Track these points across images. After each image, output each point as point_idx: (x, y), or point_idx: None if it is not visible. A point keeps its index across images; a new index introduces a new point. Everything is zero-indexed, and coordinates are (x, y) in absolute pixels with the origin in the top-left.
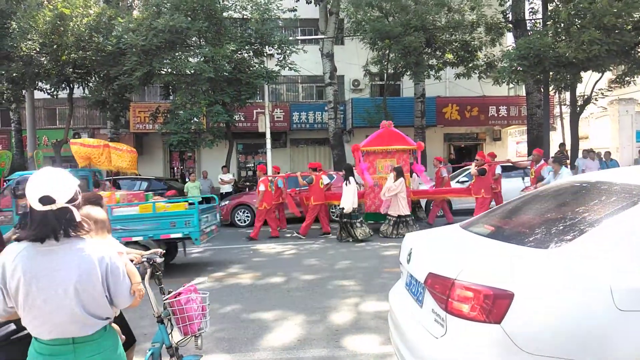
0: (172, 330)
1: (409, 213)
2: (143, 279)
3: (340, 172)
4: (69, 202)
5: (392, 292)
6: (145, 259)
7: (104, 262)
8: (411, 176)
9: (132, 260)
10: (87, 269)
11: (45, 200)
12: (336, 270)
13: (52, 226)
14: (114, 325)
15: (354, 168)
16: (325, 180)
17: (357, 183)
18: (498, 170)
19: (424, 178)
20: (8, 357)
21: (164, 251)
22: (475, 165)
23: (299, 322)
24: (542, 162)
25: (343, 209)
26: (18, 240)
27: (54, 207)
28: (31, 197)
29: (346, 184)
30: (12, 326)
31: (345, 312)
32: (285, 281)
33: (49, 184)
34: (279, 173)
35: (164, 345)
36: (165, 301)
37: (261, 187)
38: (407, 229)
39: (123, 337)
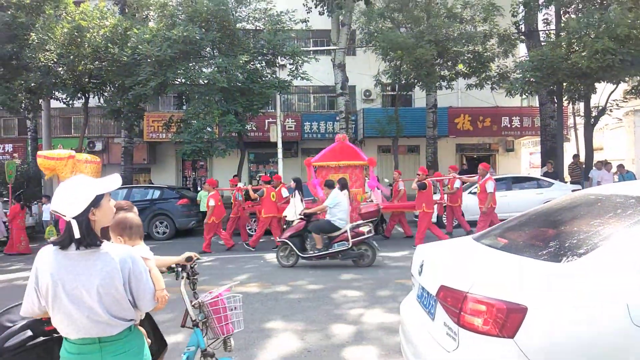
0: (206, 334)
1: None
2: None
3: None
4: (81, 214)
5: (403, 304)
6: (179, 266)
7: (127, 266)
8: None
9: (173, 267)
10: (109, 272)
11: (55, 213)
12: (342, 280)
13: (72, 236)
14: (140, 327)
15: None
16: (284, 193)
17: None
18: (457, 184)
19: (376, 195)
20: None
21: (199, 257)
22: (417, 180)
23: (305, 332)
24: (488, 175)
25: (290, 221)
26: (54, 243)
27: (66, 219)
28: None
29: (292, 196)
30: (29, 332)
31: (350, 323)
32: (291, 290)
33: (58, 199)
34: (236, 185)
35: (198, 348)
36: (205, 302)
37: (211, 202)
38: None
39: (149, 340)
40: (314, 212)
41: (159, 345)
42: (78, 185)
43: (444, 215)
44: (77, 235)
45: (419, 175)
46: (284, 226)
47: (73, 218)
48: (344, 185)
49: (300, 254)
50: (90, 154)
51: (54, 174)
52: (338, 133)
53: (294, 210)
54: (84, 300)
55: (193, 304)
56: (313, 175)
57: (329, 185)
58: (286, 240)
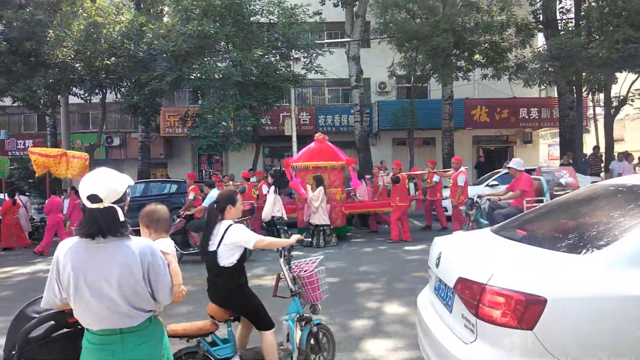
0: (302, 303)
1: (326, 223)
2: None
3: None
4: (116, 202)
5: (420, 297)
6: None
7: (147, 259)
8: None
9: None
10: (129, 265)
11: (93, 198)
12: (359, 273)
13: (99, 224)
14: (160, 318)
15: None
16: (264, 190)
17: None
18: (435, 178)
19: (361, 191)
20: (49, 355)
21: (303, 239)
22: (391, 174)
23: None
24: (461, 169)
25: (273, 217)
26: (79, 234)
27: (100, 205)
28: (82, 194)
29: (268, 193)
30: (53, 324)
31: (367, 315)
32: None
33: (98, 183)
34: (219, 181)
35: (297, 314)
36: (302, 275)
37: (191, 196)
38: (323, 238)
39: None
40: (192, 213)
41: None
42: (115, 174)
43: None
44: (122, 218)
45: (393, 169)
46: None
47: (114, 203)
48: (319, 182)
49: (182, 251)
50: (108, 148)
51: (45, 171)
52: (317, 134)
53: (271, 209)
54: (104, 291)
55: (290, 277)
56: (293, 175)
57: (319, 180)
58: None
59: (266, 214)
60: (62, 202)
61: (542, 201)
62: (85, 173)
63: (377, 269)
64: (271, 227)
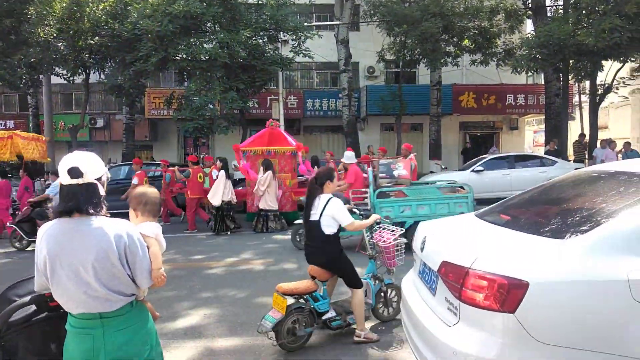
0: (379, 265)
1: (273, 208)
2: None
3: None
4: (99, 179)
5: (404, 280)
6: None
7: (122, 241)
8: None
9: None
10: (104, 248)
11: (74, 172)
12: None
13: (77, 200)
14: (146, 302)
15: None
16: (214, 174)
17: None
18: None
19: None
20: (30, 339)
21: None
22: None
23: None
24: (410, 156)
25: (223, 201)
26: (56, 213)
27: (80, 181)
28: (62, 170)
29: (215, 177)
30: (33, 307)
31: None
32: (298, 267)
33: (79, 159)
34: (168, 167)
35: (372, 274)
36: (379, 244)
37: (134, 181)
38: (268, 223)
39: (157, 314)
40: (40, 199)
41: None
42: (90, 153)
43: None
44: (102, 193)
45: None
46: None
47: (96, 179)
48: (268, 166)
49: (28, 239)
50: (91, 130)
51: None
52: (269, 120)
53: (220, 193)
54: (80, 275)
55: (370, 243)
56: (243, 160)
57: (267, 165)
58: (14, 226)
59: (216, 198)
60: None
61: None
62: (45, 156)
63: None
64: (220, 212)
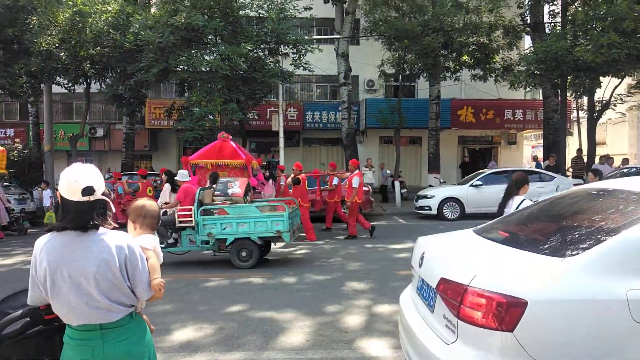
0: None
1: None
2: None
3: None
4: (104, 194)
5: (402, 296)
6: None
7: (123, 252)
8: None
9: None
10: (105, 259)
11: (88, 190)
12: (347, 271)
13: (90, 216)
14: (143, 315)
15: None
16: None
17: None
18: (335, 181)
19: (264, 190)
20: (24, 352)
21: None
22: (292, 175)
23: (310, 322)
24: (357, 171)
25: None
26: (50, 230)
27: (91, 198)
28: (72, 188)
29: (161, 189)
30: (28, 320)
31: (356, 314)
32: (297, 281)
33: (90, 176)
34: (120, 179)
35: None
36: None
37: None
38: None
39: (153, 327)
40: None
41: None
42: (92, 167)
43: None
44: (113, 209)
45: (294, 170)
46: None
47: (103, 195)
48: (215, 180)
49: None
50: (91, 139)
51: None
52: (221, 133)
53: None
54: (82, 286)
55: None
56: (191, 173)
57: (214, 178)
58: None
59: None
60: None
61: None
62: (3, 166)
63: (368, 267)
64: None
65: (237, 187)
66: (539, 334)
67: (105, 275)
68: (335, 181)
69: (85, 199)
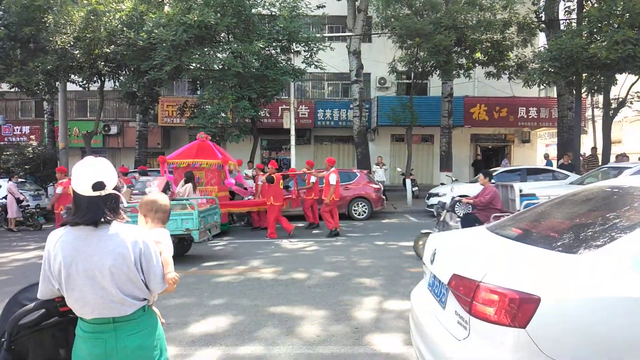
0: None
1: None
2: None
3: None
4: (114, 189)
5: (414, 292)
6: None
7: (138, 247)
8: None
9: None
10: (121, 253)
11: (98, 185)
12: (358, 267)
13: (102, 211)
14: (154, 308)
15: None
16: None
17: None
18: (312, 179)
19: (239, 190)
20: (39, 343)
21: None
22: (267, 174)
23: (320, 318)
24: (332, 169)
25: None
26: (63, 225)
27: (102, 193)
28: (83, 183)
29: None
30: (43, 312)
31: (366, 310)
32: (307, 277)
33: (101, 171)
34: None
35: None
36: None
37: (58, 190)
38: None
39: (162, 320)
40: None
41: None
42: (104, 161)
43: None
44: (126, 204)
45: (269, 169)
46: None
47: (114, 189)
48: (189, 179)
49: None
50: (105, 136)
51: None
52: (200, 133)
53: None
54: (97, 280)
55: None
56: (166, 172)
57: (188, 177)
58: None
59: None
60: None
61: None
62: None
63: (378, 264)
64: None
65: (154, 185)
66: (552, 330)
67: (120, 269)
68: (312, 179)
69: (97, 194)
